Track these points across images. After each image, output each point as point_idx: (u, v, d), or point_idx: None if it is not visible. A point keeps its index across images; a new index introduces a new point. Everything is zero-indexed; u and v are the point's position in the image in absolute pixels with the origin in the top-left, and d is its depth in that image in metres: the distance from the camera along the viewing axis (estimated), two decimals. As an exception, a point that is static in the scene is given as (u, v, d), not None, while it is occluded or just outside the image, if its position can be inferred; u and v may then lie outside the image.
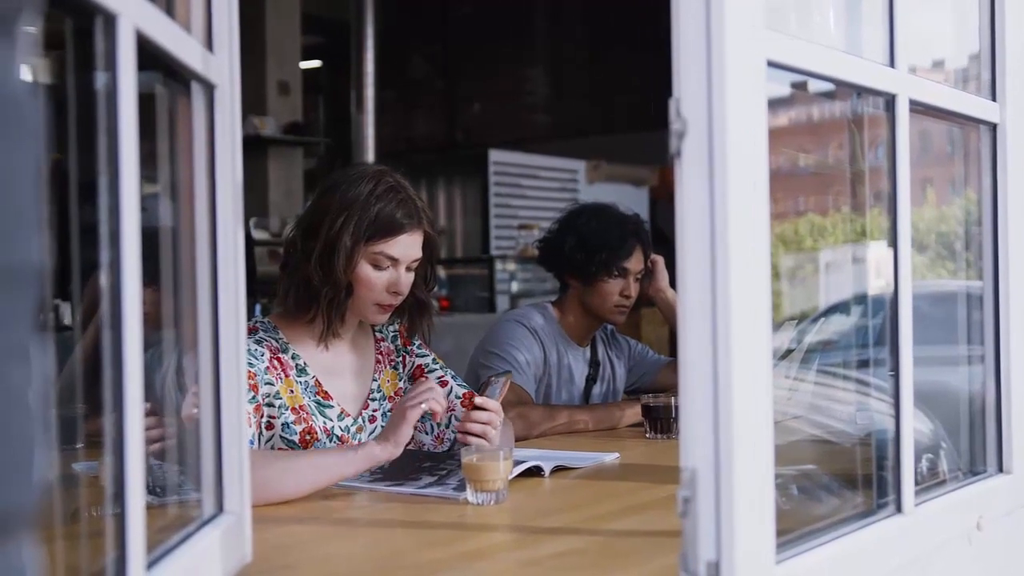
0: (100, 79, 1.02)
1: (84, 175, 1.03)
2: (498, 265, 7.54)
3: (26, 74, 0.61)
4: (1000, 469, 1.86)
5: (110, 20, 1.00)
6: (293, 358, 2.25)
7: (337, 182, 2.25)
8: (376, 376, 2.38)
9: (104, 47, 1.01)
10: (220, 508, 1.39)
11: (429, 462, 2.18)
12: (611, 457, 2.39)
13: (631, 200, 6.62)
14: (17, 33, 0.59)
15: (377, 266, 2.22)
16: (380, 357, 2.41)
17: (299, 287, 2.23)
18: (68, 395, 1.81)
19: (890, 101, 1.56)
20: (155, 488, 1.38)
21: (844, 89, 1.65)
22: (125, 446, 1.02)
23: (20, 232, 0.56)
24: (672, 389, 3.02)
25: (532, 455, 2.23)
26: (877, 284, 2.05)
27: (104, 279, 1.01)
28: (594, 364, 3.19)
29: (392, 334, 2.45)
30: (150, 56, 1.11)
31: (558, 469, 2.21)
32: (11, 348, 0.56)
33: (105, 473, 1.49)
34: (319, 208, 2.24)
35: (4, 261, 0.55)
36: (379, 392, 2.37)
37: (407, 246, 2.24)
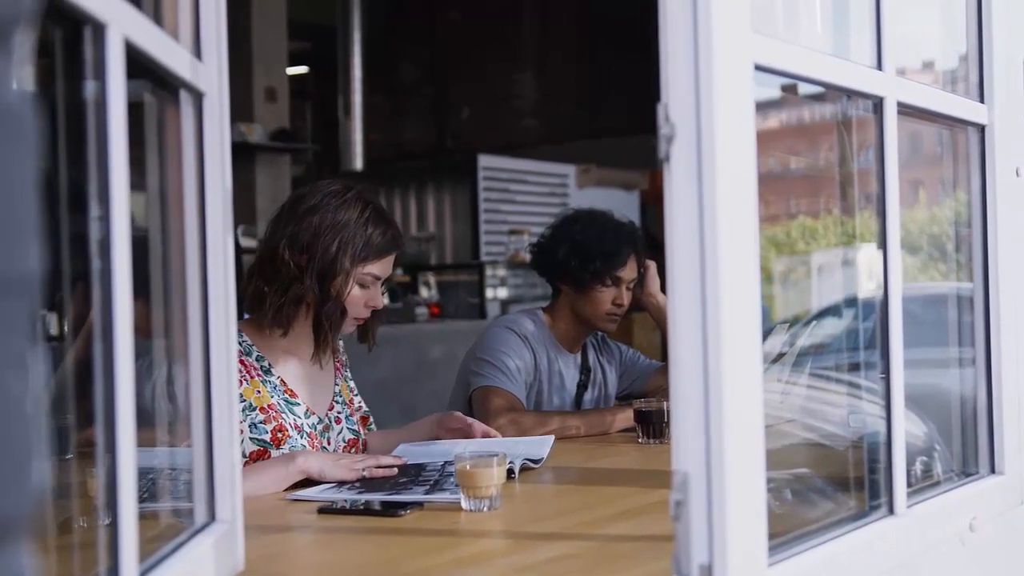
0: (89, 88, 1.02)
1: (72, 184, 1.03)
2: (488, 271, 7.52)
3: (22, 84, 0.61)
4: (992, 470, 1.86)
5: (99, 29, 1.00)
6: (258, 360, 2.32)
7: (319, 204, 2.30)
8: (337, 382, 2.49)
9: (93, 56, 1.01)
10: (212, 517, 1.38)
11: (407, 476, 2.14)
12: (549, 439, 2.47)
13: (621, 204, 6.62)
14: (13, 44, 0.59)
15: (362, 285, 2.33)
16: (339, 365, 2.52)
17: (290, 304, 2.29)
18: (59, 405, 1.80)
19: (878, 104, 1.57)
20: (143, 495, 1.37)
21: (833, 92, 1.66)
22: (117, 456, 1.02)
23: (19, 241, 0.56)
24: (663, 393, 3.02)
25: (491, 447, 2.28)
26: (868, 287, 2.06)
27: (95, 288, 1.01)
28: (585, 370, 3.19)
29: (342, 347, 2.58)
30: (138, 64, 1.11)
31: (526, 468, 2.24)
32: (10, 356, 0.56)
33: (89, 484, 1.49)
34: (306, 227, 2.29)
35: (3, 270, 0.55)
36: (340, 397, 2.48)
37: (390, 265, 2.39)
